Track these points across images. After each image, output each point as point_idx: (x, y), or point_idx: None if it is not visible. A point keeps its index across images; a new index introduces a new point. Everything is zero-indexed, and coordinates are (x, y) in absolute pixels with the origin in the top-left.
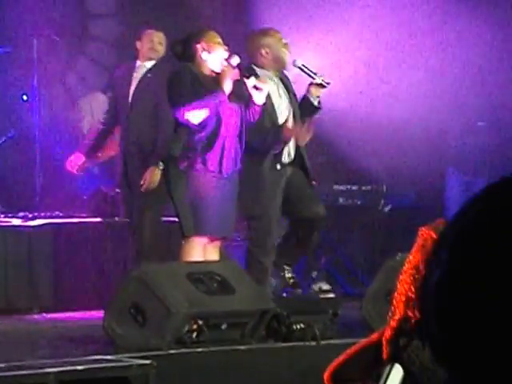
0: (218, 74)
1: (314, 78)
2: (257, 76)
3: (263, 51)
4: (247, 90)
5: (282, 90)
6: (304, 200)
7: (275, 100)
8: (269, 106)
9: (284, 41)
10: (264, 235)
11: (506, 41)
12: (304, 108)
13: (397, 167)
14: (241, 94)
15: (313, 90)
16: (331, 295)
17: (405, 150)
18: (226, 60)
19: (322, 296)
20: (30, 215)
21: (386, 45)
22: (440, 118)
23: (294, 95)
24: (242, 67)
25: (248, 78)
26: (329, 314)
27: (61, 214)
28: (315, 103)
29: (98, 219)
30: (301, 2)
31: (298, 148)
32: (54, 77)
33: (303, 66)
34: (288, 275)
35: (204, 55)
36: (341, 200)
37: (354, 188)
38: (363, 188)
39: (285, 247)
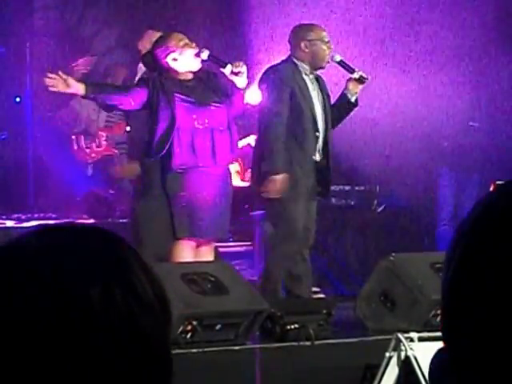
0: (195, 72)
1: (352, 73)
2: (231, 63)
3: (303, 44)
4: (227, 80)
5: (317, 88)
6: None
7: (312, 93)
8: (308, 100)
9: (326, 38)
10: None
11: (501, 41)
12: (342, 106)
13: (390, 167)
14: (216, 91)
15: (351, 85)
16: (321, 295)
17: (398, 151)
18: (196, 56)
19: (314, 296)
20: (24, 217)
21: (380, 45)
22: (432, 119)
23: (328, 96)
24: (214, 59)
25: (224, 67)
26: (323, 314)
27: (54, 216)
28: (352, 100)
29: (92, 220)
30: (296, 3)
31: (326, 151)
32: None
33: (342, 61)
34: None
35: (169, 60)
36: (334, 200)
37: (348, 188)
38: (356, 188)
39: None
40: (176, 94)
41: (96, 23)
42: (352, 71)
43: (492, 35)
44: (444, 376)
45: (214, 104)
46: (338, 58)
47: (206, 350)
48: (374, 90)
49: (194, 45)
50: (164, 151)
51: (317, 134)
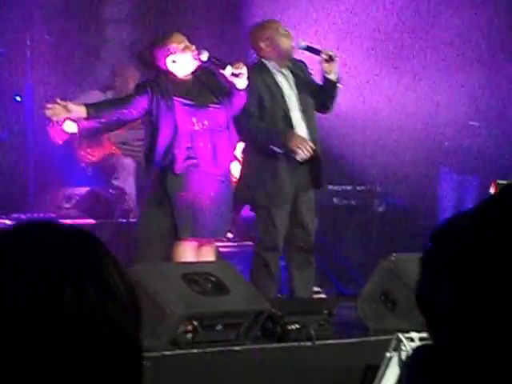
0: (193, 73)
1: (320, 55)
2: (231, 64)
3: (262, 44)
4: (227, 81)
5: (293, 82)
6: (299, 228)
7: (286, 91)
8: (280, 99)
9: (282, 30)
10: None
11: (503, 41)
12: (326, 87)
13: (390, 167)
14: (215, 91)
15: (326, 66)
16: (322, 295)
17: (398, 151)
18: (196, 57)
19: (315, 296)
20: (23, 216)
21: (382, 46)
22: (433, 118)
23: (310, 84)
24: (214, 60)
25: (224, 68)
26: (324, 315)
27: (54, 215)
28: (333, 79)
29: (91, 220)
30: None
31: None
32: (47, 77)
33: (307, 46)
34: None
35: (168, 62)
36: (335, 200)
37: (349, 188)
38: (357, 188)
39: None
40: (176, 98)
41: (100, 22)
42: (319, 53)
43: (494, 36)
44: (420, 373)
45: (212, 105)
46: (303, 44)
47: (206, 350)
48: (376, 91)
49: (193, 47)
50: (168, 159)
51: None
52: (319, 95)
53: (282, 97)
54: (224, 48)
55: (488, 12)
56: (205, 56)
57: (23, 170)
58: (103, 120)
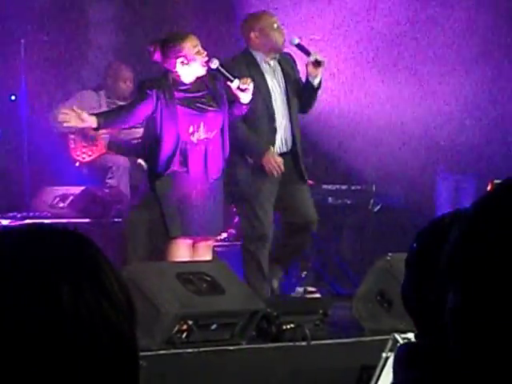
0: (200, 78)
1: (308, 56)
2: (239, 77)
3: (253, 34)
4: (231, 92)
5: (279, 75)
6: (297, 206)
7: (270, 83)
8: (263, 90)
9: (276, 24)
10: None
11: (495, 38)
12: (307, 91)
13: (386, 166)
14: (215, 98)
15: (310, 69)
16: (317, 295)
17: (394, 150)
18: (206, 63)
19: (310, 296)
20: (19, 215)
21: (375, 45)
22: (429, 118)
23: (296, 79)
24: (223, 72)
25: (231, 81)
26: (319, 314)
27: (49, 215)
28: (314, 83)
29: (87, 219)
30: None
31: (294, 139)
32: (42, 77)
33: (299, 44)
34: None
35: (178, 63)
36: (330, 200)
37: (344, 188)
38: (352, 188)
39: (277, 253)
40: (179, 107)
41: (95, 20)
42: (308, 54)
43: (492, 36)
44: (408, 366)
45: (211, 109)
46: (295, 41)
47: (201, 349)
48: (372, 90)
49: (205, 53)
50: (169, 170)
51: (274, 125)
52: (300, 95)
53: (266, 88)
54: (215, 46)
55: (486, 12)
56: (214, 64)
57: (18, 169)
58: (110, 129)
